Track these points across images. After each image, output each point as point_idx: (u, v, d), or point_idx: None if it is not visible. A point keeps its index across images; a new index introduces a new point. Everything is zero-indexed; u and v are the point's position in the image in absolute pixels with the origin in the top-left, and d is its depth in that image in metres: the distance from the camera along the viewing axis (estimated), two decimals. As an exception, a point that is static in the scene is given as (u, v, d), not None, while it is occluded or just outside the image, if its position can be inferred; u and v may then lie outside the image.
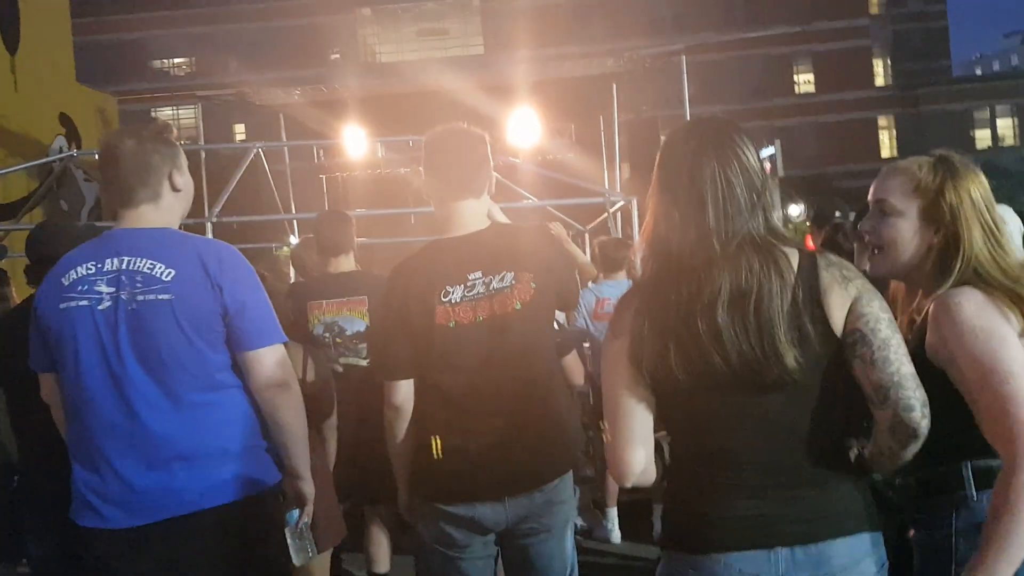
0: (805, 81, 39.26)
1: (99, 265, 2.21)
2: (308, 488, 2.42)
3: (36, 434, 2.99)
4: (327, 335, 3.82)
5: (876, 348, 1.62)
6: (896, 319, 1.77)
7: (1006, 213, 4.47)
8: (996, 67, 74.13)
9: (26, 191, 11.50)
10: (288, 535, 2.36)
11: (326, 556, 3.55)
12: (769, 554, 1.68)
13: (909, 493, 1.91)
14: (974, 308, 1.75)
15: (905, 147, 38.58)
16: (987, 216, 1.87)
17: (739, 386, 1.68)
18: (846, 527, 1.69)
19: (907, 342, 1.75)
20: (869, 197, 2.01)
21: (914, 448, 1.63)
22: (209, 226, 6.85)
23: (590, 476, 5.40)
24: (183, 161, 2.37)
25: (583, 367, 4.34)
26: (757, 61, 36.79)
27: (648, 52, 11.81)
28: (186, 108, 34.66)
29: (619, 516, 5.28)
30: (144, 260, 2.20)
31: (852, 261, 1.87)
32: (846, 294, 1.66)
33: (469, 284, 2.43)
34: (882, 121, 39.85)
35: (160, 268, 2.19)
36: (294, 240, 10.15)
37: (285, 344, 2.34)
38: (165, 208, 2.33)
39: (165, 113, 35.38)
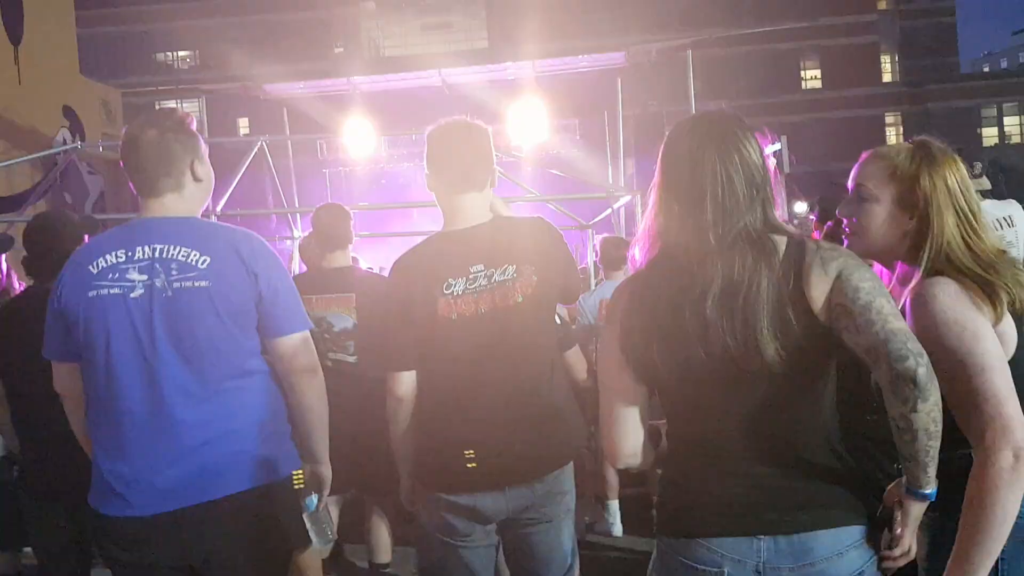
0: (812, 77, 39.16)
1: (130, 253, 2.22)
2: (328, 472, 2.45)
3: (36, 425, 3.01)
4: (316, 330, 3.80)
5: (858, 314, 1.60)
6: None
7: (1015, 211, 4.42)
8: (1004, 65, 73.92)
9: (30, 183, 11.50)
10: (308, 519, 2.36)
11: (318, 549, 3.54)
12: (752, 541, 1.69)
13: None
14: (948, 300, 1.77)
15: (912, 144, 38.47)
16: (962, 202, 1.88)
17: (723, 377, 1.71)
18: (832, 519, 1.69)
19: None
20: (848, 182, 2.02)
21: (923, 404, 1.53)
22: (213, 219, 6.83)
23: (592, 470, 5.40)
24: (204, 151, 2.39)
25: (587, 363, 4.33)
26: (764, 57, 36.70)
27: (654, 47, 11.76)
28: (190, 102, 34.70)
29: (621, 510, 5.30)
30: (178, 248, 2.21)
31: None
32: (825, 275, 1.65)
33: (471, 277, 2.45)
34: (889, 118, 39.74)
35: (195, 255, 2.21)
36: (297, 234, 10.15)
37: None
38: (188, 197, 2.34)
39: (169, 106, 35.31)
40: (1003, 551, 1.70)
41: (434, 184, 2.58)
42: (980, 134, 39.26)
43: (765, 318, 1.65)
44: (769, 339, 1.65)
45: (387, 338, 2.55)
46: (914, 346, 1.56)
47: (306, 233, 4.83)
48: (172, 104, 35.33)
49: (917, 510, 1.67)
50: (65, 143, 11.88)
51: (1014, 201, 4.68)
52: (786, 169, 17.94)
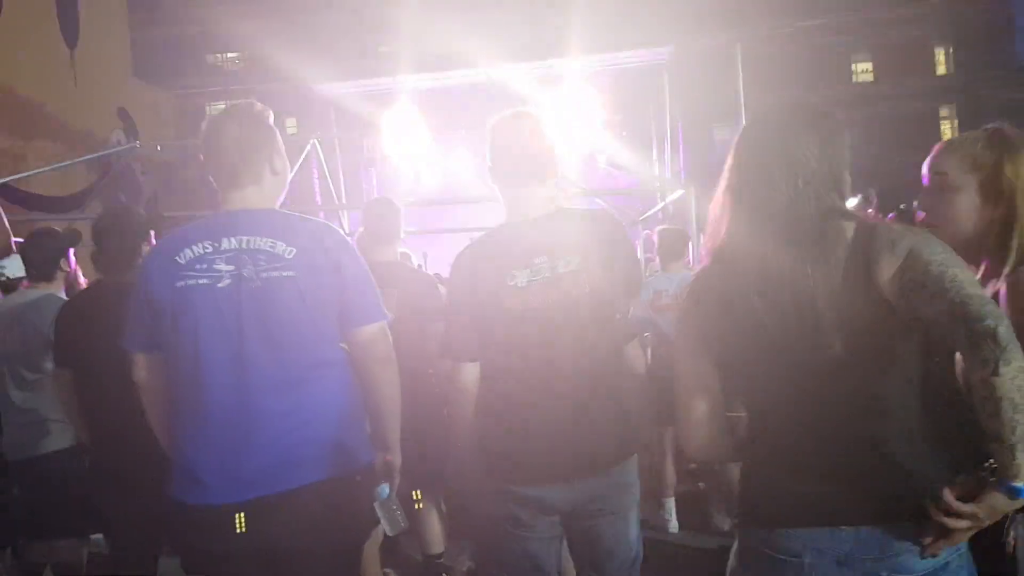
0: (863, 71, 38.45)
1: (216, 244, 2.25)
2: (399, 461, 2.48)
3: (109, 415, 3.08)
4: None
5: (931, 284, 1.57)
6: None
7: None
8: (1062, 55, 71.83)
9: (86, 183, 11.78)
10: (379, 508, 2.40)
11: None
12: (833, 532, 1.68)
13: None
14: None
15: (966, 137, 37.61)
16: None
17: (794, 368, 1.70)
18: (917, 510, 1.64)
19: None
20: (924, 173, 1.99)
21: (1006, 368, 1.46)
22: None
23: (647, 465, 5.41)
24: (281, 144, 2.42)
25: (644, 355, 4.32)
26: (813, 51, 36.08)
27: (701, 43, 11.65)
28: (241, 102, 35.09)
29: (676, 506, 5.27)
30: (264, 239, 2.24)
31: None
32: (894, 257, 1.63)
33: (535, 268, 2.44)
34: (943, 111, 38.88)
35: (281, 246, 2.24)
36: (341, 231, 10.24)
37: None
38: (267, 190, 2.37)
39: (220, 107, 35.91)
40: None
41: (496, 176, 2.58)
42: (1036, 126, 38.23)
43: (823, 309, 1.65)
44: (831, 329, 1.64)
45: (450, 329, 2.56)
46: (993, 308, 1.51)
47: (360, 230, 4.91)
48: (222, 105, 35.84)
49: (1001, 505, 1.56)
50: (119, 145, 12.14)
51: None
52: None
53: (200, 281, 2.22)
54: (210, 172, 2.36)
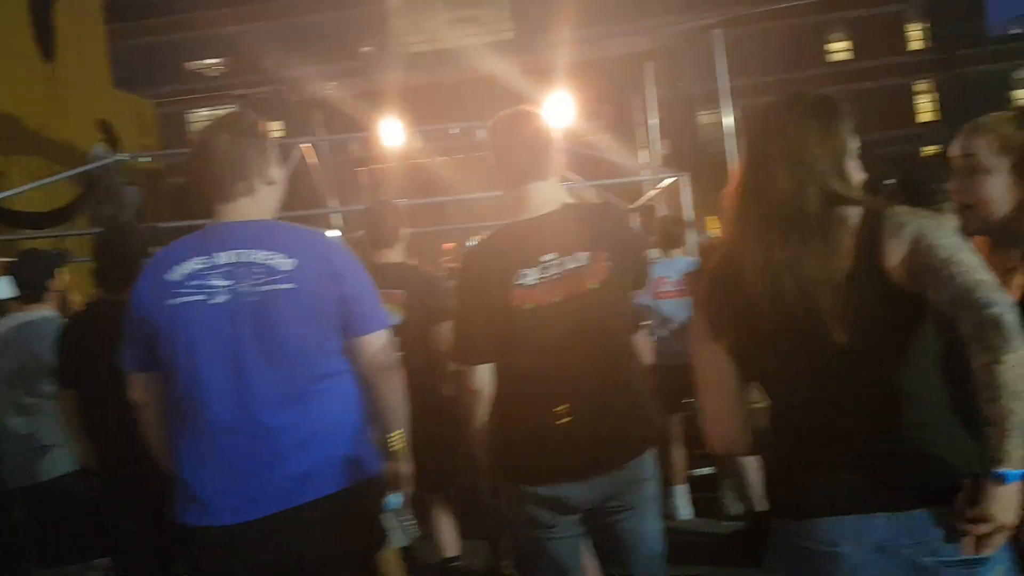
0: (840, 49, 38.55)
1: (210, 259, 2.21)
2: (408, 470, 2.45)
3: (116, 436, 3.03)
4: None
5: (939, 269, 1.58)
6: None
7: None
8: (1036, 25, 72.25)
9: (69, 198, 11.67)
10: (391, 518, 2.41)
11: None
12: (868, 519, 1.67)
13: None
14: None
15: (947, 111, 37.79)
16: None
17: (810, 355, 1.71)
18: (943, 495, 1.63)
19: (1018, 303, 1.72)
20: (953, 155, 1.99)
21: (1009, 356, 1.47)
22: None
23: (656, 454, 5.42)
24: (274, 153, 2.39)
25: (649, 345, 4.32)
26: (790, 31, 36.15)
27: (680, 29, 11.66)
28: (223, 108, 34.98)
29: (690, 493, 5.31)
30: (260, 251, 2.20)
31: None
32: (901, 241, 1.63)
33: (544, 265, 2.43)
34: (920, 85, 39.04)
35: (279, 258, 2.20)
36: (331, 234, 10.20)
37: None
38: (261, 201, 2.33)
39: (202, 115, 35.79)
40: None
41: (501, 175, 2.57)
42: (1012, 97, 38.39)
43: (825, 296, 1.65)
44: (832, 316, 1.64)
45: (460, 331, 2.54)
46: (1000, 295, 1.53)
47: (360, 233, 4.88)
48: (205, 112, 35.80)
49: (999, 495, 1.55)
50: (102, 157, 12.03)
51: None
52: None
53: (195, 298, 2.19)
54: (202, 185, 2.32)
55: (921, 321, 1.68)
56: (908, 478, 1.66)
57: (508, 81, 10.05)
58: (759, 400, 1.89)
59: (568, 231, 2.47)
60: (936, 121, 37.84)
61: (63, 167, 10.83)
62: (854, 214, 1.70)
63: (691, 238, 6.21)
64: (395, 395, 2.39)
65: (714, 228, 10.27)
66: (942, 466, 1.66)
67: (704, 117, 32.43)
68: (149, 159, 11.99)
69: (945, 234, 1.62)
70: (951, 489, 1.63)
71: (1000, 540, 1.61)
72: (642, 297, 5.09)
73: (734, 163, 10.57)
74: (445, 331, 3.22)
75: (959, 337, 1.59)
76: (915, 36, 39.65)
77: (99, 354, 2.98)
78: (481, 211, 9.46)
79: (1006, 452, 1.52)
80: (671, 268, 5.22)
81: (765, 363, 1.81)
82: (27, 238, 7.75)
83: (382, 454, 2.40)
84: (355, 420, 2.32)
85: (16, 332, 3.73)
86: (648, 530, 2.59)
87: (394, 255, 3.96)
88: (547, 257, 2.44)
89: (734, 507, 5.14)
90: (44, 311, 3.82)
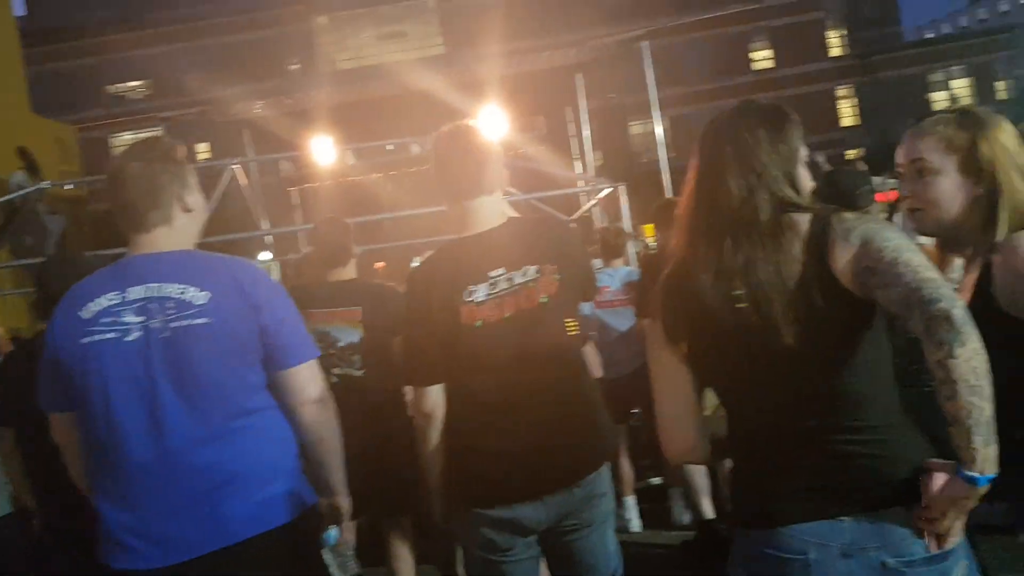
0: (763, 57, 39.48)
1: (123, 294, 2.11)
2: (346, 504, 2.36)
3: (52, 474, 2.90)
4: (320, 345, 3.73)
5: (886, 270, 1.58)
6: None
7: None
8: (947, 30, 75.12)
9: (-11, 229, 11.27)
10: (328, 554, 2.27)
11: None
12: (833, 524, 1.66)
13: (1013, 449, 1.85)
14: None
15: (866, 115, 38.94)
16: (1020, 161, 1.89)
17: (762, 361, 1.71)
18: (907, 494, 1.63)
19: (970, 299, 1.78)
20: (899, 160, 2.01)
21: (961, 349, 1.48)
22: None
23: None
24: (193, 180, 2.28)
25: (596, 357, 4.31)
26: (715, 41, 36.94)
27: (609, 40, 11.79)
28: (148, 131, 34.31)
29: (636, 504, 5.25)
30: (174, 285, 2.10)
31: None
32: (849, 244, 1.64)
33: (492, 281, 2.39)
34: (841, 91, 40.16)
35: (192, 292, 2.10)
36: (264, 256, 10.03)
37: None
38: (179, 230, 2.23)
39: (125, 138, 35.04)
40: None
41: (444, 191, 2.52)
42: (929, 100, 39.77)
43: (777, 301, 1.66)
44: (784, 321, 1.65)
45: (410, 352, 2.49)
46: (947, 291, 1.53)
47: (305, 251, 4.79)
48: (128, 136, 35.04)
49: (960, 494, 1.55)
50: (21, 186, 11.64)
51: None
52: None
53: (107, 336, 2.09)
54: (116, 215, 2.21)
55: (871, 324, 1.69)
56: (869, 480, 1.66)
57: (440, 96, 10.03)
58: (716, 408, 1.89)
59: (515, 245, 2.44)
60: (857, 125, 38.96)
61: (-18, 197, 10.47)
62: (804, 220, 1.71)
63: (630, 248, 6.25)
64: (326, 429, 2.27)
65: (651, 236, 10.37)
66: (901, 466, 1.66)
67: (636, 127, 32.87)
68: (71, 186, 11.64)
69: (891, 236, 1.63)
70: (911, 489, 1.63)
71: (959, 530, 1.62)
72: (584, 308, 5.10)
73: (665, 172, 10.76)
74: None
75: (910, 339, 1.60)
76: (835, 43, 40.83)
77: (33, 392, 2.86)
78: (418, 228, 9.39)
79: (974, 452, 1.51)
80: (613, 278, 5.25)
81: (720, 369, 1.81)
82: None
83: (319, 489, 2.31)
84: (284, 456, 2.22)
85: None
86: (606, 546, 2.55)
87: (347, 272, 3.86)
88: (496, 272, 2.40)
89: (683, 516, 5.12)
90: (-32, 348, 3.66)
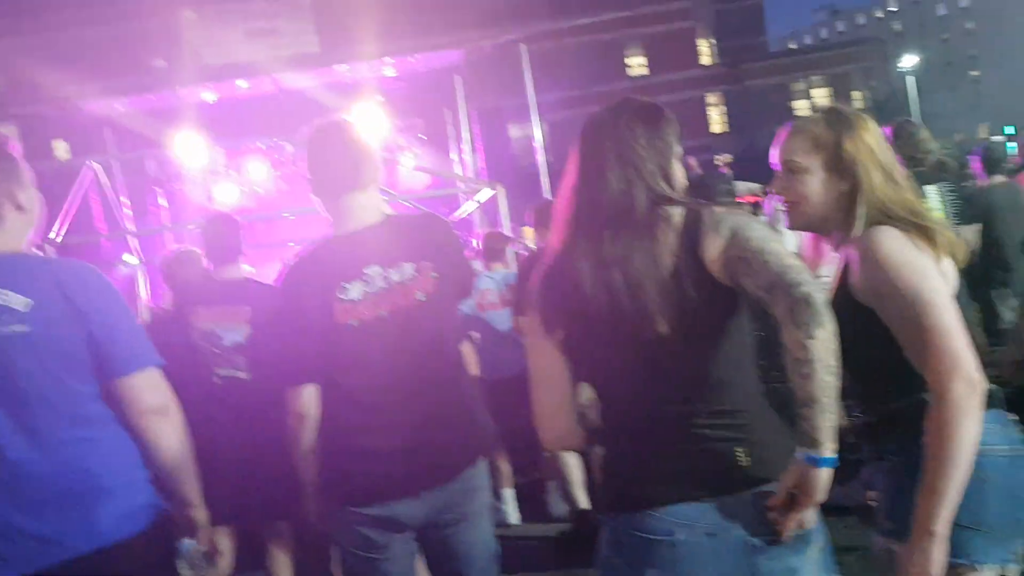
0: (638, 64, 40.50)
1: None
2: (199, 515, 2.29)
3: None
4: (204, 344, 3.58)
5: (752, 258, 1.67)
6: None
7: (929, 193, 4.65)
8: (809, 41, 79.05)
9: None
10: (182, 566, 2.20)
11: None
12: (699, 506, 1.74)
13: (874, 429, 1.97)
14: (893, 244, 1.85)
15: (734, 121, 40.47)
16: (883, 158, 1.97)
17: (633, 349, 1.78)
18: (774, 471, 1.71)
19: (834, 290, 1.89)
20: (773, 159, 2.10)
21: (820, 331, 1.57)
22: (49, 249, 6.36)
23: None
24: (26, 176, 2.15)
25: (473, 356, 4.33)
26: (592, 48, 37.65)
27: (487, 43, 11.81)
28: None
29: (514, 497, 5.31)
30: None
31: None
32: (719, 236, 1.73)
33: (368, 279, 2.35)
34: (711, 98, 41.61)
35: (14, 298, 1.98)
36: (130, 258, 9.58)
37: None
38: (9, 230, 2.10)
39: (-25, 134, 32.94)
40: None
41: (318, 188, 2.46)
42: (792, 108, 41.67)
43: (652, 291, 1.73)
44: (658, 309, 1.72)
45: (282, 352, 2.42)
46: (808, 277, 1.63)
47: (176, 249, 4.58)
48: (-22, 132, 32.88)
49: (821, 481, 1.62)
50: None
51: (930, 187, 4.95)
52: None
53: None
54: None
55: (738, 313, 1.79)
56: (732, 463, 1.74)
57: (315, 95, 9.83)
58: (590, 397, 1.94)
59: (392, 243, 2.41)
60: (726, 132, 40.44)
61: None
62: (677, 213, 1.79)
63: (510, 252, 6.27)
64: (168, 440, 2.17)
65: (530, 239, 10.43)
66: (762, 449, 1.75)
67: (515, 131, 33.12)
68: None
69: (757, 228, 1.73)
70: (773, 471, 1.71)
71: (813, 514, 1.71)
72: (467, 308, 5.10)
73: (544, 175, 10.84)
74: None
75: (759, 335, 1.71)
76: (705, 51, 42.28)
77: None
78: (293, 227, 9.16)
79: (821, 432, 1.59)
80: (494, 281, 5.34)
81: (595, 358, 1.86)
82: None
83: (173, 500, 2.23)
84: (126, 468, 2.13)
85: None
86: (482, 540, 2.56)
87: (236, 271, 3.75)
88: (371, 270, 2.37)
89: (560, 507, 5.19)
90: None
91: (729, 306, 1.77)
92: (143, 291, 8.16)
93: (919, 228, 1.88)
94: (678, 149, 1.90)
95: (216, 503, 3.38)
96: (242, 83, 10.72)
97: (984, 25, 69.38)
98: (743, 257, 1.68)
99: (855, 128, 1.98)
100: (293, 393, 2.40)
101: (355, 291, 2.35)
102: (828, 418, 1.59)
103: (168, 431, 2.17)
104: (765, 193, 5.49)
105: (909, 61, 40.52)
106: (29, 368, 1.99)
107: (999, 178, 5.85)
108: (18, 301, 1.99)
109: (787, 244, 4.20)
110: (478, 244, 5.84)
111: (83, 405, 2.08)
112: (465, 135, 11.27)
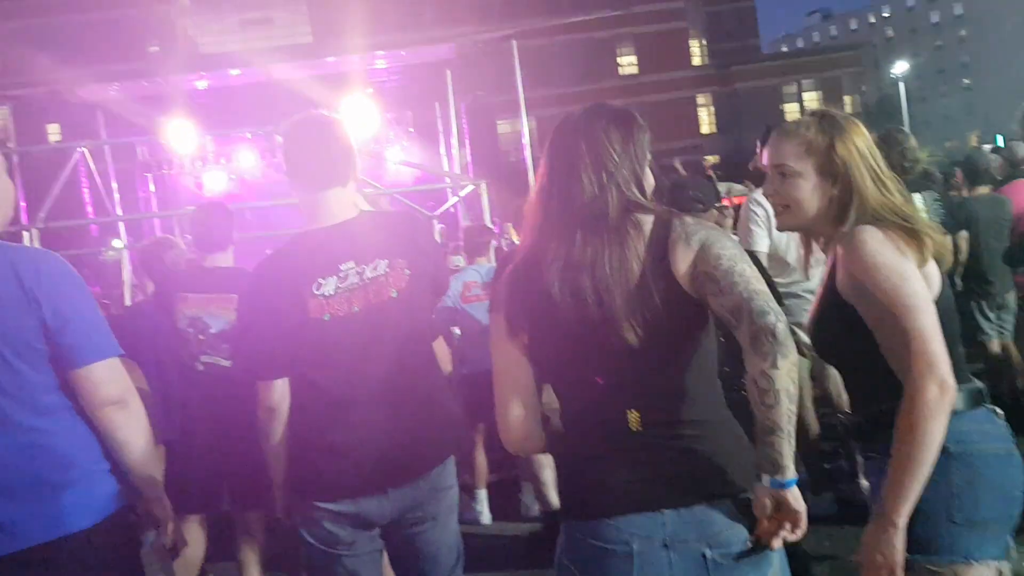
0: (628, 63, 40.53)
1: None
2: (160, 508, 2.26)
3: None
4: (190, 330, 3.65)
5: (721, 278, 1.67)
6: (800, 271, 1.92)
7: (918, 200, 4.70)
8: (800, 44, 79.08)
9: None
10: (144, 558, 2.21)
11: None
12: (656, 516, 1.72)
13: (860, 429, 2.02)
14: (876, 245, 1.86)
15: (723, 123, 40.59)
16: (873, 163, 2.01)
17: (597, 356, 1.77)
18: (730, 487, 1.74)
19: (823, 290, 1.93)
20: (765, 163, 2.14)
21: (783, 361, 1.58)
22: (35, 233, 6.42)
23: (458, 459, 5.45)
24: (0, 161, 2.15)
25: (448, 353, 4.37)
26: (583, 45, 37.69)
27: (479, 38, 11.88)
28: (-9, 109, 32.14)
29: (488, 496, 5.31)
30: None
31: None
32: (689, 248, 1.72)
33: (342, 275, 2.37)
34: (701, 99, 41.67)
35: None
36: (118, 243, 9.62)
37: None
38: None
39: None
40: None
41: (295, 182, 2.48)
42: (783, 111, 41.78)
43: (619, 297, 1.72)
44: (624, 316, 1.71)
45: (254, 345, 2.43)
46: (775, 306, 1.63)
47: (156, 237, 4.65)
48: (-29, 113, 32.50)
49: (793, 499, 1.64)
50: None
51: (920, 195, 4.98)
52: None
53: None
54: None
55: (704, 324, 1.78)
56: (692, 474, 1.73)
57: (306, 86, 9.87)
58: (553, 401, 1.94)
59: (366, 239, 2.42)
60: (715, 133, 40.50)
61: None
62: (647, 221, 1.78)
63: (492, 246, 6.36)
64: (127, 432, 2.12)
65: (515, 235, 10.53)
66: (722, 461, 1.75)
67: (504, 126, 33.17)
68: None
69: (729, 245, 1.72)
70: (730, 483, 1.73)
71: (804, 525, 1.69)
72: (450, 301, 5.15)
73: (532, 171, 10.92)
74: None
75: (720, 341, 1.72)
76: (696, 52, 42.33)
77: None
78: (282, 218, 9.21)
79: (784, 458, 1.61)
80: (479, 273, 5.29)
81: (559, 362, 1.85)
82: None
83: (135, 490, 2.21)
84: (83, 459, 2.10)
85: None
86: (448, 539, 2.56)
87: (225, 259, 3.78)
88: (345, 266, 2.37)
89: (532, 508, 5.18)
90: None
91: (695, 316, 1.75)
92: (129, 276, 8.22)
93: (907, 231, 1.89)
94: (649, 156, 1.88)
95: (191, 490, 3.47)
96: (234, 72, 10.77)
97: (977, 33, 69.42)
98: (711, 275, 1.68)
99: (846, 132, 2.02)
100: (264, 386, 2.39)
101: (329, 286, 2.35)
102: (790, 443, 1.61)
103: (127, 423, 2.12)
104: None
105: (901, 67, 40.69)
106: None
107: (982, 189, 5.82)
108: None
109: (761, 244, 4.33)
110: (461, 238, 5.84)
111: (39, 395, 2.04)
112: (454, 129, 11.35)
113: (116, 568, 2.14)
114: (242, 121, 10.21)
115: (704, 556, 1.71)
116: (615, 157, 1.81)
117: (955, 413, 1.79)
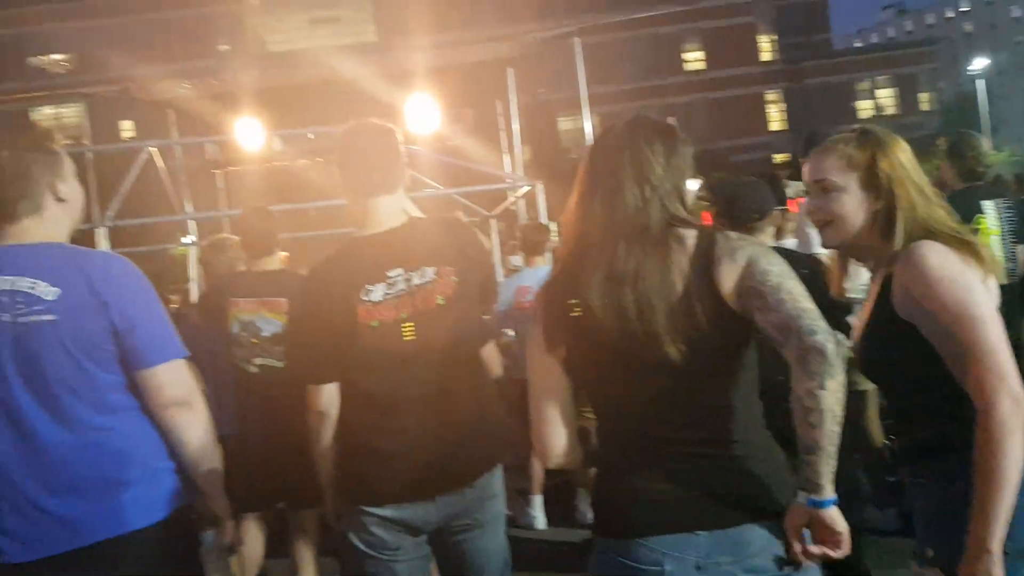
0: (695, 59, 40.05)
1: None
2: (221, 507, 2.31)
3: None
4: (244, 334, 3.74)
5: (769, 294, 1.66)
6: (832, 289, 1.99)
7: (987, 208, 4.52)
8: (875, 39, 77.26)
9: None
10: (205, 557, 2.27)
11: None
12: (690, 537, 1.71)
13: (913, 452, 1.94)
14: (939, 259, 1.82)
15: (793, 120, 39.84)
16: (916, 177, 1.98)
17: (637, 371, 1.75)
18: (762, 510, 1.72)
19: (872, 307, 1.89)
20: (806, 179, 2.12)
21: (831, 381, 1.56)
22: (103, 231, 6.60)
23: (513, 464, 5.45)
24: (67, 169, 2.24)
25: (500, 357, 4.36)
26: (647, 41, 37.35)
27: (541, 36, 11.86)
28: (69, 107, 33.22)
29: (544, 502, 5.30)
30: (27, 279, 2.06)
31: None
32: (735, 264, 1.71)
33: (390, 281, 2.40)
34: (770, 95, 40.97)
35: (42, 287, 2.05)
36: (187, 240, 9.85)
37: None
38: (50, 220, 2.18)
39: (46, 112, 33.84)
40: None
41: (346, 187, 2.52)
42: (855, 108, 40.88)
43: (662, 312, 1.71)
44: (666, 331, 1.70)
45: (305, 351, 2.48)
46: (824, 324, 1.61)
47: (213, 238, 4.73)
48: (49, 110, 33.62)
49: (830, 519, 1.63)
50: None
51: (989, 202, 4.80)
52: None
53: None
54: None
55: (746, 342, 1.76)
56: (729, 495, 1.71)
57: (370, 84, 9.96)
58: (591, 415, 1.91)
59: (415, 246, 2.45)
60: (785, 130, 39.79)
61: None
62: (690, 235, 1.77)
63: (552, 245, 6.34)
64: (190, 433, 2.19)
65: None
66: (758, 482, 1.73)
67: (565, 123, 33.07)
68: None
69: (776, 261, 1.71)
70: (767, 505, 1.71)
71: (847, 543, 1.67)
72: (503, 305, 5.14)
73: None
74: None
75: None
76: (766, 48, 41.61)
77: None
78: (344, 217, 9.30)
79: (824, 477, 1.60)
80: (534, 278, 5.20)
81: (598, 377, 1.83)
82: None
83: (196, 490, 2.27)
84: (148, 457, 2.17)
85: None
86: (496, 548, 2.57)
87: (272, 262, 3.88)
88: (393, 272, 2.41)
89: (588, 516, 5.15)
90: None
91: (738, 334, 1.74)
92: (196, 272, 8.40)
93: (962, 243, 1.87)
94: (691, 171, 1.87)
95: (247, 489, 3.53)
96: (301, 71, 10.91)
97: (1059, 27, 67.08)
98: (758, 290, 1.67)
99: (888, 146, 1.99)
100: (314, 390, 2.44)
101: (377, 293, 2.38)
102: (832, 464, 1.59)
103: (191, 424, 2.19)
104: None
105: (980, 63, 39.40)
106: (55, 356, 2.04)
107: None
108: (47, 291, 2.05)
109: (820, 247, 4.22)
110: (519, 237, 5.77)
111: (108, 394, 2.11)
112: (515, 127, 11.35)
113: (177, 565, 2.19)
114: (308, 119, 10.34)
115: None
116: (658, 170, 1.80)
117: None
